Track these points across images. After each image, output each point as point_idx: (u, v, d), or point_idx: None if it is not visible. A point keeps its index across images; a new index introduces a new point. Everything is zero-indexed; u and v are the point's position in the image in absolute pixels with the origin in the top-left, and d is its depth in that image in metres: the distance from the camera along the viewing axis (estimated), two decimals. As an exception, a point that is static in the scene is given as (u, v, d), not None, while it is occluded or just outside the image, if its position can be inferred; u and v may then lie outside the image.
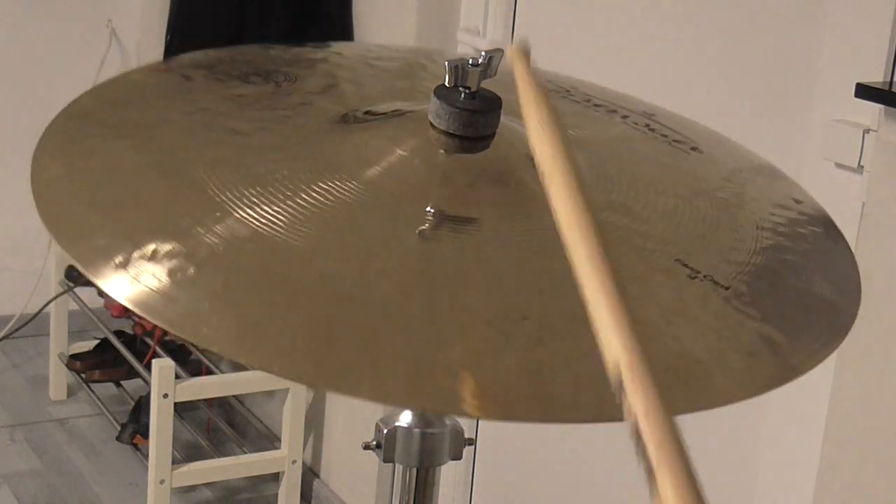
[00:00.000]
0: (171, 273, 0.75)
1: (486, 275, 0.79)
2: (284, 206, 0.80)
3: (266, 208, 0.80)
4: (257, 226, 0.79)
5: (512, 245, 0.82)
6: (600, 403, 0.72)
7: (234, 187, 0.82)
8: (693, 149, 1.01)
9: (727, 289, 0.82)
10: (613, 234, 0.85)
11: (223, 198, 0.81)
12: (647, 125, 1.04)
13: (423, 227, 0.81)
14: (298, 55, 1.10)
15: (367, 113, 0.94)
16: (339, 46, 1.16)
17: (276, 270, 0.77)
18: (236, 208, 0.80)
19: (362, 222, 0.82)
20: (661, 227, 0.87)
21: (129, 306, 0.74)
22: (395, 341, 0.73)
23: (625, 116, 1.04)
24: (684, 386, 0.76)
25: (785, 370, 0.80)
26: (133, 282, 0.74)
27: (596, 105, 1.06)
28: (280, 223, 0.79)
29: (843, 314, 0.86)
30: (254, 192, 0.81)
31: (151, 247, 0.77)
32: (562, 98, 1.06)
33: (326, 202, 0.82)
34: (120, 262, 0.75)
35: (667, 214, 0.89)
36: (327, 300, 0.75)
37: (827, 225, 0.96)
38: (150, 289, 0.74)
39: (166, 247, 0.77)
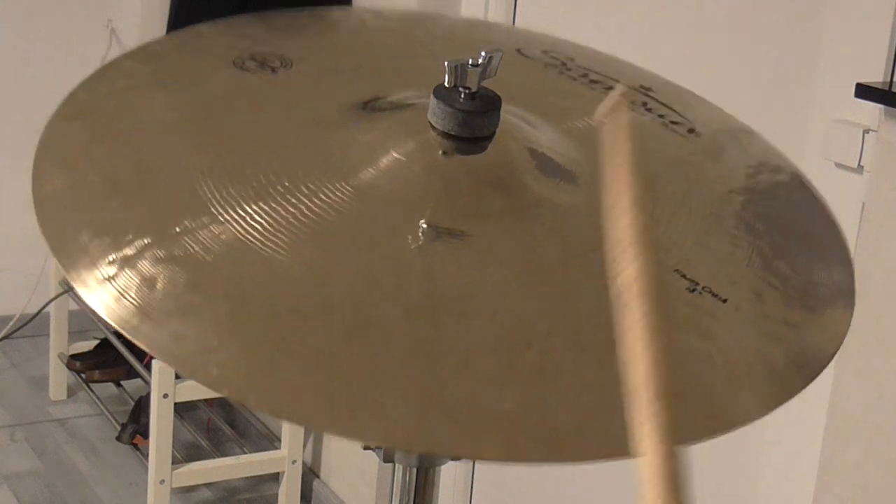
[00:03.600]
0: (178, 305, 0.74)
1: (488, 297, 0.78)
2: (286, 223, 0.79)
3: (269, 227, 0.79)
4: (260, 248, 0.77)
5: (513, 261, 0.81)
6: (606, 439, 0.71)
7: (236, 202, 0.80)
8: (690, 131, 1.00)
9: (725, 301, 0.81)
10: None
11: (226, 216, 0.79)
12: (645, 104, 1.02)
13: (420, 243, 0.80)
14: (295, 30, 1.07)
15: (365, 106, 0.93)
16: (335, 14, 1.13)
17: (281, 299, 0.75)
18: (239, 228, 0.79)
19: (362, 239, 0.80)
20: (660, 232, 0.86)
21: (140, 344, 0.72)
22: (400, 378, 0.72)
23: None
24: (696, 413, 0.75)
25: (791, 382, 0.79)
26: (142, 317, 0.73)
27: (593, 81, 1.04)
28: (281, 243, 0.78)
29: (840, 313, 0.86)
30: (256, 208, 0.80)
31: (158, 277, 0.75)
32: (559, 73, 1.04)
33: (327, 216, 0.80)
34: (127, 295, 0.74)
35: (665, 217, 0.88)
36: (334, 332, 0.74)
37: (830, 226, 0.96)
38: (158, 324, 0.73)
39: (171, 274, 0.75)
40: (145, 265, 0.76)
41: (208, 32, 1.04)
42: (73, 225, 0.81)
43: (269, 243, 0.78)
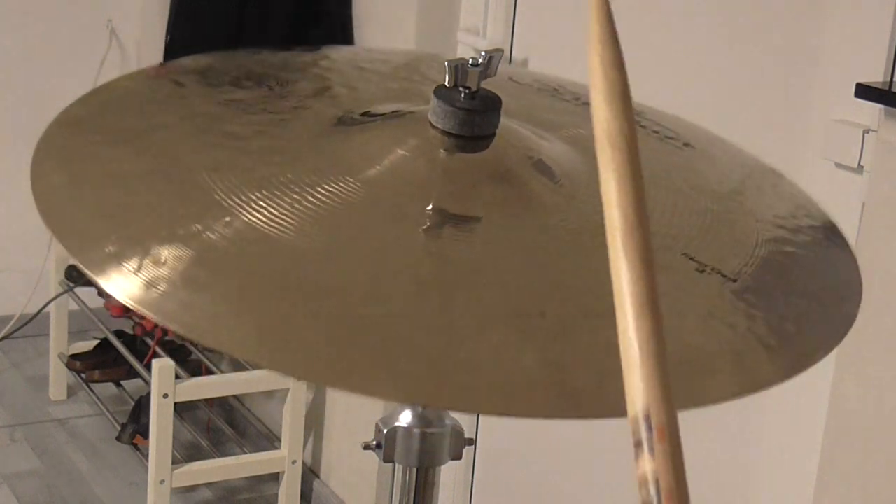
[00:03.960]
0: (185, 278, 0.74)
1: (497, 273, 0.79)
2: (291, 210, 0.80)
3: (273, 211, 0.80)
4: (266, 229, 0.78)
5: (520, 244, 0.82)
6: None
7: (241, 191, 0.81)
8: (685, 144, 1.01)
9: (735, 281, 0.82)
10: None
11: (230, 202, 0.80)
12: (638, 122, 1.04)
13: (426, 226, 0.81)
14: (287, 60, 1.10)
15: (364, 114, 0.94)
16: (327, 51, 1.16)
17: (290, 274, 0.76)
18: (244, 212, 0.79)
19: (369, 224, 0.82)
20: (665, 222, 0.87)
21: (146, 313, 0.73)
22: (414, 340, 0.73)
23: None
24: (695, 380, 0.76)
25: (794, 363, 0.80)
26: (148, 288, 0.74)
27: (584, 103, 1.06)
28: (288, 226, 0.79)
29: (846, 304, 0.86)
30: (259, 195, 0.81)
31: (163, 252, 0.76)
32: (550, 97, 1.06)
33: (333, 204, 0.81)
34: (133, 269, 0.75)
35: (668, 209, 0.89)
36: (343, 303, 0.75)
37: (826, 225, 0.97)
38: (166, 294, 0.73)
39: (178, 252, 0.76)
40: (151, 244, 0.77)
41: (202, 61, 1.06)
42: (75, 212, 0.82)
43: (275, 226, 0.79)
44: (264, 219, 0.79)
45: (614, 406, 0.72)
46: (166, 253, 0.76)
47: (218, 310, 0.73)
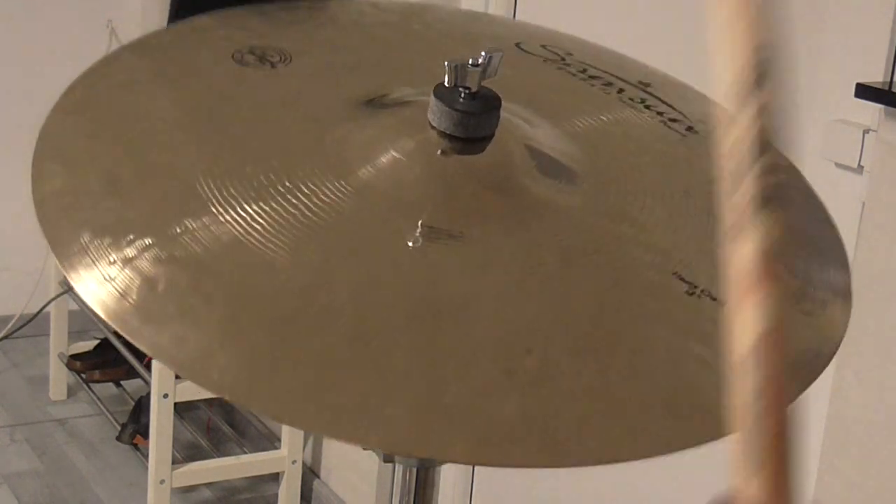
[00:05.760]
0: (180, 308, 0.74)
1: (489, 300, 0.78)
2: (287, 225, 0.79)
3: (270, 228, 0.78)
4: (261, 250, 0.77)
5: (513, 263, 0.81)
6: (604, 445, 0.72)
7: (238, 203, 0.80)
8: (689, 129, 1.00)
9: (724, 304, 0.81)
10: (617, 248, 0.84)
11: (226, 217, 0.79)
12: (643, 101, 1.01)
13: (418, 244, 0.80)
14: (294, 19, 1.07)
15: (371, 100, 0.93)
16: (334, 6, 1.13)
17: (282, 304, 0.75)
18: (240, 229, 0.78)
19: (361, 241, 0.80)
20: (659, 234, 0.86)
21: (141, 347, 0.72)
22: (400, 385, 0.72)
23: (620, 91, 1.02)
24: (696, 421, 0.75)
25: (788, 388, 0.79)
26: (144, 321, 0.73)
27: (592, 77, 1.03)
28: (283, 244, 0.77)
29: (838, 315, 0.85)
30: (257, 208, 0.80)
31: (159, 279, 0.75)
32: (557, 69, 1.04)
33: (328, 217, 0.80)
34: (129, 298, 0.74)
35: (663, 218, 0.88)
36: (336, 336, 0.73)
37: (816, 205, 0.96)
38: (161, 328, 0.73)
39: (173, 276, 0.75)
40: (146, 266, 0.76)
41: (207, 24, 1.03)
42: (74, 225, 0.81)
43: (269, 245, 0.78)
44: (261, 238, 0.78)
45: (596, 453, 0.72)
46: (162, 278, 0.75)
47: (211, 346, 0.72)
